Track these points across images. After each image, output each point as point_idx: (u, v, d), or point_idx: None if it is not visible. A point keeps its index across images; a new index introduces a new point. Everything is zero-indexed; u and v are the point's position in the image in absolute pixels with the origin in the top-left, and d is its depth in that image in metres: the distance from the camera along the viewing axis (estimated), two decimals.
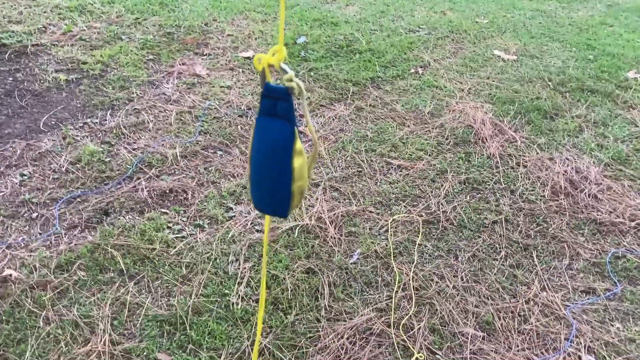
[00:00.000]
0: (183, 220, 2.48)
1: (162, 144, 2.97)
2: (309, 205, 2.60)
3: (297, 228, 2.46)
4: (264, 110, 1.01)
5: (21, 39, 4.03)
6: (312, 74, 3.83)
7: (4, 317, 1.97)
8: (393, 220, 2.55)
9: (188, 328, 1.98)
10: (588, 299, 2.22)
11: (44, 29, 4.23)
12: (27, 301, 2.04)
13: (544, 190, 2.79)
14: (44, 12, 4.47)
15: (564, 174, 2.89)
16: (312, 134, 1.04)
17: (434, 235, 2.49)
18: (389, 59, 4.11)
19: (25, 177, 2.67)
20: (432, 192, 2.74)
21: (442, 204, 2.67)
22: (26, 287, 2.09)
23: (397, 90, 3.68)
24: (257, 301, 2.10)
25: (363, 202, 2.66)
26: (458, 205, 2.67)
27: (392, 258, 2.34)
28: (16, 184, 2.63)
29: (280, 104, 0.99)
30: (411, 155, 3.01)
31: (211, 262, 2.27)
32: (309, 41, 4.30)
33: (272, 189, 1.06)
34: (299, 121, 3.26)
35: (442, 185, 2.79)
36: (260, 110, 1.01)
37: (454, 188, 2.78)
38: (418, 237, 2.46)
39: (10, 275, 2.13)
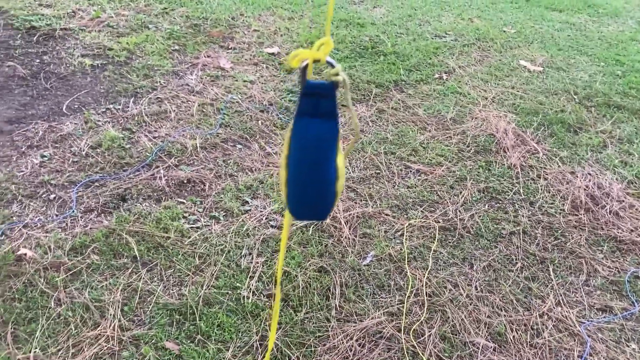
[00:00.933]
0: (199, 211, 2.48)
1: (183, 134, 2.98)
2: None
3: (312, 226, 2.45)
4: (304, 111, 0.92)
5: (50, 22, 4.07)
6: None
7: (16, 296, 1.99)
8: (409, 224, 2.52)
9: (198, 319, 1.97)
10: (604, 317, 2.18)
11: (73, 13, 4.27)
12: (40, 281, 2.05)
13: (563, 204, 2.75)
14: None
15: (585, 189, 2.84)
16: (355, 124, 0.99)
17: (449, 242, 2.46)
18: (413, 63, 4.08)
19: (46, 159, 2.69)
20: (450, 198, 2.71)
21: (459, 211, 2.64)
22: (40, 267, 2.10)
23: (420, 95, 3.66)
24: (268, 296, 2.09)
25: (380, 204, 2.64)
26: (476, 213, 2.63)
27: (406, 262, 2.32)
28: (36, 164, 2.65)
29: (324, 102, 0.92)
30: (431, 160, 2.98)
31: (224, 255, 2.26)
32: (334, 41, 4.28)
33: (317, 191, 0.99)
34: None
35: (460, 193, 2.76)
36: (300, 111, 0.92)
37: (473, 196, 2.75)
38: (433, 243, 2.44)
39: (25, 254, 2.15)
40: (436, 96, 3.66)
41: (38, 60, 3.60)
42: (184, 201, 2.53)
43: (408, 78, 3.85)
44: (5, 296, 1.98)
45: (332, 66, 0.90)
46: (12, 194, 2.45)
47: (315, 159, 0.95)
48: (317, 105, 0.92)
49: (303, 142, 0.94)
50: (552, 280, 2.32)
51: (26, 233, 2.26)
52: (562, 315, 2.15)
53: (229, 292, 2.10)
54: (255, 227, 2.42)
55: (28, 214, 2.37)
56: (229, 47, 4.06)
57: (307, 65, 0.90)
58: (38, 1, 4.36)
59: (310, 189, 0.98)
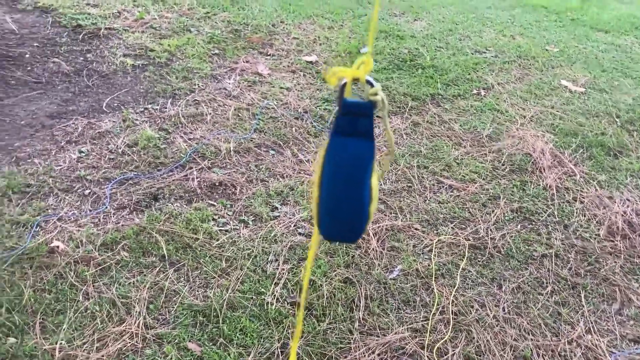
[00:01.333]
0: (228, 214, 2.50)
1: (217, 137, 3.01)
2: None
3: None
4: (340, 129, 0.89)
5: (96, 21, 4.18)
6: None
7: (47, 287, 2.03)
8: (439, 240, 2.49)
9: (221, 322, 1.98)
10: (636, 348, 2.10)
11: (118, 13, 4.37)
12: (70, 274, 2.09)
13: (599, 229, 2.67)
14: None
15: (622, 215, 2.76)
16: (390, 144, 0.97)
17: (479, 261, 2.42)
18: (451, 78, 4.04)
19: (83, 154, 2.75)
20: (482, 217, 2.67)
21: (491, 230, 2.59)
22: (71, 260, 2.14)
23: (457, 110, 3.62)
24: (292, 304, 2.08)
25: (409, 218, 2.61)
26: (507, 233, 2.58)
27: (433, 279, 2.28)
28: (74, 159, 2.71)
29: (362, 121, 0.89)
30: (464, 176, 2.94)
31: (251, 259, 2.27)
32: (373, 52, 4.28)
33: (350, 211, 0.96)
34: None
35: (493, 211, 2.71)
36: (336, 130, 0.90)
37: (505, 215, 2.70)
38: (462, 261, 2.40)
39: (58, 247, 2.19)
40: (473, 112, 3.61)
41: (82, 58, 3.69)
42: (215, 204, 2.55)
43: (445, 92, 3.82)
44: (36, 287, 2.03)
45: (372, 85, 0.88)
46: (49, 187, 2.51)
47: (350, 179, 0.92)
48: (354, 124, 0.90)
49: (338, 160, 0.92)
50: (583, 307, 2.25)
51: (60, 226, 2.31)
52: (592, 344, 2.09)
53: (254, 297, 2.10)
54: (284, 233, 2.42)
55: (63, 207, 2.42)
56: (268, 53, 4.09)
57: (345, 84, 0.89)
58: (86, 0, 4.48)
59: (344, 209, 0.96)
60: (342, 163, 0.92)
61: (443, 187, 2.86)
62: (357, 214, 0.96)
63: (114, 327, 1.92)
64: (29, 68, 3.49)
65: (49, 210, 2.39)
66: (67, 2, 4.43)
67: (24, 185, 2.50)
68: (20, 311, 1.93)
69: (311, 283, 2.19)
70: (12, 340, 1.85)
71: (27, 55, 3.63)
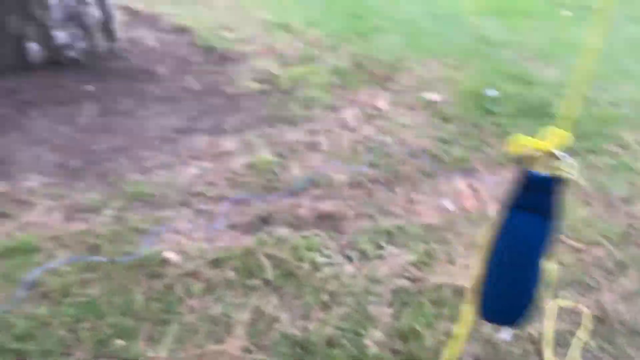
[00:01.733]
0: (334, 247, 2.46)
1: (331, 168, 3.01)
2: (465, 266, 2.44)
3: (447, 286, 2.31)
4: (521, 203, 0.85)
5: (228, 45, 4.39)
6: (494, 128, 3.65)
7: (156, 296, 2.09)
8: (557, 305, 2.29)
9: (318, 357, 1.93)
10: None
11: (249, 39, 4.57)
12: (179, 287, 2.14)
13: None
14: (253, 25, 4.84)
15: None
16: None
17: (600, 333, 2.19)
18: (582, 130, 3.78)
19: (203, 171, 2.86)
20: (607, 285, 2.43)
21: (617, 301, 2.35)
22: (181, 273, 2.20)
23: (587, 166, 3.37)
24: (392, 351, 1.99)
25: None
26: (636, 307, 2.33)
27: (547, 347, 2.10)
28: (194, 175, 2.82)
29: (545, 197, 0.83)
30: (590, 239, 2.70)
31: (353, 297, 2.21)
32: (501, 96, 4.12)
33: (519, 294, 0.89)
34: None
35: (620, 281, 2.46)
36: (517, 203, 0.85)
37: (635, 287, 2.44)
38: (581, 331, 2.19)
39: (170, 258, 2.27)
40: (605, 170, 3.34)
41: (211, 78, 3.88)
42: (321, 234, 2.53)
43: (574, 145, 3.58)
44: (147, 294, 2.10)
45: (563, 161, 0.80)
46: (168, 199, 2.62)
47: (523, 259, 0.86)
48: (536, 199, 0.83)
49: (517, 236, 0.85)
50: None
51: (174, 238, 2.39)
52: None
53: (353, 337, 2.03)
54: (388, 275, 2.35)
55: (179, 220, 2.51)
56: (389, 88, 4.08)
57: (529, 154, 0.82)
58: (222, 25, 4.74)
59: (510, 289, 0.89)
60: (515, 242, 0.85)
61: (565, 247, 2.64)
62: (525, 296, 0.89)
63: (213, 346, 1.93)
64: (162, 84, 3.72)
65: (166, 222, 2.48)
66: (204, 24, 4.70)
67: (147, 195, 2.62)
68: (131, 316, 2.00)
69: (413, 330, 2.09)
70: (120, 342, 1.92)
71: (162, 72, 3.87)
